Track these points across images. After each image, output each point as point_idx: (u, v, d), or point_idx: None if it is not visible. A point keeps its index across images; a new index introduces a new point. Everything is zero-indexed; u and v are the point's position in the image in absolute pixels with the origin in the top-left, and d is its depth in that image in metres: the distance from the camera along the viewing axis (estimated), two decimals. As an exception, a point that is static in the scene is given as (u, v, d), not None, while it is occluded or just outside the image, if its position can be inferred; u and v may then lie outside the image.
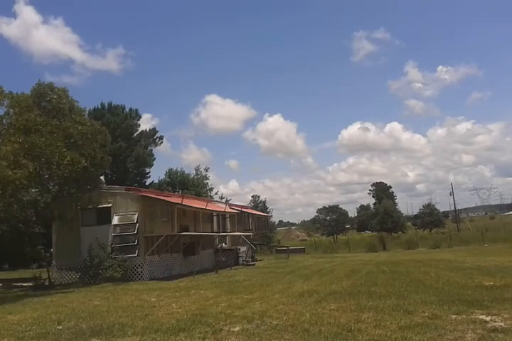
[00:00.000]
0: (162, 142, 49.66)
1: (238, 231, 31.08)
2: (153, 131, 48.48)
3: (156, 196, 23.35)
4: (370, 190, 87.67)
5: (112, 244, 21.24)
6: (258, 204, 57.80)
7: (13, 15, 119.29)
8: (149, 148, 47.26)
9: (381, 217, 67.60)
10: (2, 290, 20.01)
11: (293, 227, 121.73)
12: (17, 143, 16.67)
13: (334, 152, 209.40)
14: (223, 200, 44.26)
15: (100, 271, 20.22)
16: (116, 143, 39.87)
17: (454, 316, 8.09)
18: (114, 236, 21.39)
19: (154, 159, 47.46)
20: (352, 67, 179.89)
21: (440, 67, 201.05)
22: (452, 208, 79.30)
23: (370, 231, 77.91)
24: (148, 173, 47.15)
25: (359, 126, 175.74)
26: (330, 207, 76.66)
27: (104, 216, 21.79)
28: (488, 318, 7.81)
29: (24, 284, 21.32)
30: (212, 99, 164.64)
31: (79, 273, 21.09)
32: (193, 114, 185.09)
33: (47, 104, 19.14)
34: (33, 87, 19.50)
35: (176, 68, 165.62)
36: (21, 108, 18.11)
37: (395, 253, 36.70)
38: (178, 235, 22.09)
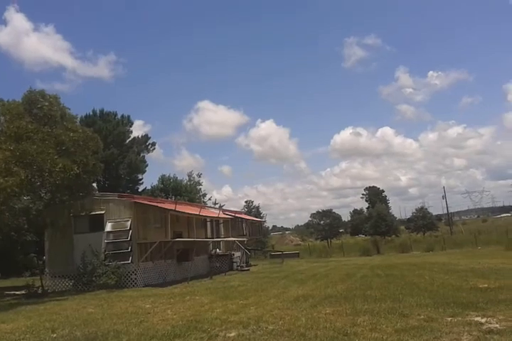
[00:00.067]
0: (154, 148, 49.47)
1: (232, 237, 31.01)
2: (146, 137, 48.31)
3: (149, 202, 23.26)
4: (363, 195, 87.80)
5: (105, 250, 21.10)
6: (252, 209, 57.70)
7: (4, 22, 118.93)
8: (142, 155, 47.06)
9: (374, 220, 67.67)
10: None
11: (287, 232, 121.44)
12: (8, 150, 16.58)
13: (327, 157, 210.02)
14: (217, 206, 44.17)
15: (94, 278, 20.08)
16: (109, 150, 39.69)
17: (449, 318, 8.11)
18: (107, 243, 21.26)
19: (147, 165, 47.28)
20: (343, 73, 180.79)
21: (431, 72, 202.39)
22: (445, 211, 79.64)
23: (363, 235, 77.89)
24: (140, 180, 46.95)
25: (351, 131, 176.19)
26: (323, 211, 76.57)
27: (97, 223, 21.66)
28: (483, 320, 7.84)
29: (17, 292, 21.11)
30: (205, 105, 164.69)
31: (72, 281, 20.91)
32: (185, 120, 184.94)
33: (38, 111, 19.07)
34: (24, 94, 19.43)
35: (168, 74, 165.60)
36: (12, 115, 18.04)
37: (389, 257, 36.74)
38: (172, 241, 22.00)
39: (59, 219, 19.99)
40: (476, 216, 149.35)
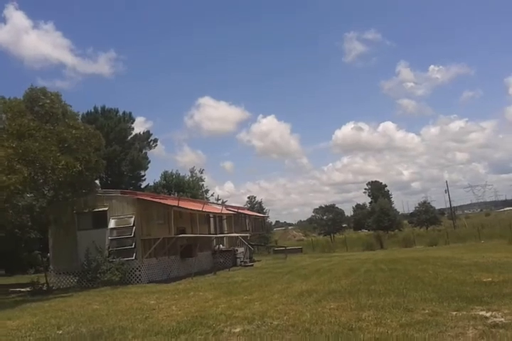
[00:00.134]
0: (156, 145, 49.63)
1: (235, 233, 31.05)
2: (147, 134, 48.41)
3: (152, 199, 23.30)
4: (365, 189, 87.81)
5: (109, 247, 21.17)
6: (254, 205, 57.78)
7: (3, 20, 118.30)
8: (144, 151, 47.16)
9: (377, 215, 67.69)
10: (0, 296, 19.87)
11: (290, 227, 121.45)
12: (11, 148, 16.58)
13: (328, 152, 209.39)
14: (219, 202, 44.20)
15: (98, 275, 20.15)
16: (111, 147, 39.73)
17: (454, 313, 8.10)
18: (111, 239, 21.32)
19: (149, 162, 47.43)
20: (344, 68, 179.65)
21: (432, 66, 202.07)
22: (448, 205, 79.42)
23: (366, 229, 77.90)
24: (143, 176, 47.07)
25: (353, 125, 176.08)
26: (326, 206, 76.66)
27: (101, 220, 21.72)
28: (488, 314, 7.82)
29: (22, 289, 21.21)
30: (206, 101, 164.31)
31: (77, 278, 20.98)
32: (186, 117, 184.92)
33: (40, 108, 19.06)
34: (26, 92, 19.41)
35: (169, 71, 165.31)
36: (14, 113, 18.03)
37: (392, 252, 36.74)
38: (176, 237, 22.04)
39: (62, 216, 20.01)
40: (479, 210, 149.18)
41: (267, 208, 59.50)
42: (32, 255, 33.46)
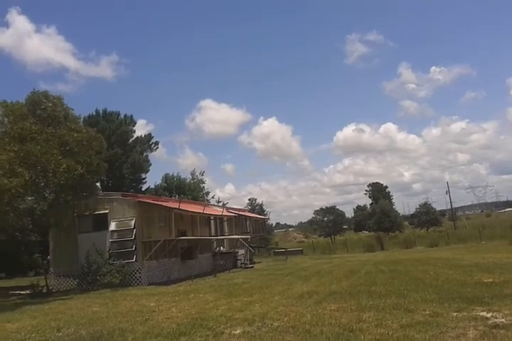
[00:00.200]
0: (158, 147, 49.68)
1: (236, 235, 31.05)
2: (149, 136, 48.46)
3: (152, 201, 23.31)
4: (366, 191, 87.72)
5: (109, 250, 21.17)
6: (255, 207, 57.76)
7: (6, 24, 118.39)
8: (145, 154, 47.17)
9: (378, 216, 67.64)
10: (0, 298, 19.87)
11: (290, 229, 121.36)
12: (12, 151, 16.62)
13: (330, 154, 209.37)
14: (220, 204, 44.22)
15: (98, 277, 20.14)
16: (112, 150, 39.76)
17: (454, 313, 8.10)
18: (111, 242, 21.32)
19: (150, 165, 47.41)
20: (346, 70, 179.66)
21: (433, 67, 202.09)
22: (448, 207, 79.30)
23: (367, 231, 77.86)
24: (144, 179, 47.07)
25: (354, 127, 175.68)
26: (327, 208, 76.62)
27: (101, 222, 21.72)
28: (489, 315, 7.82)
29: (22, 292, 21.19)
30: (207, 103, 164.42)
31: (77, 280, 20.96)
32: (188, 119, 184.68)
33: (42, 112, 19.10)
34: (28, 96, 19.46)
35: (170, 74, 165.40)
36: (16, 116, 18.07)
37: (393, 253, 36.72)
38: (176, 240, 22.04)
39: (63, 219, 20.01)
40: (479, 211, 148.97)
41: (267, 210, 59.55)
42: (32, 258, 33.47)
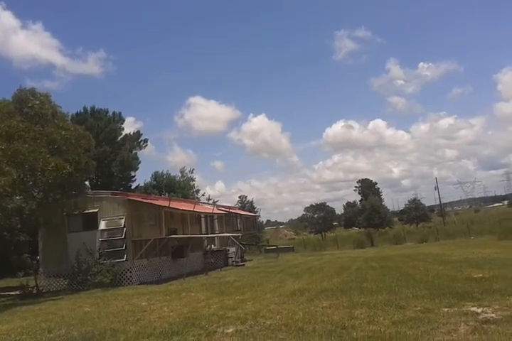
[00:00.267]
0: (147, 145, 49.37)
1: (227, 232, 31.02)
2: (138, 134, 48.16)
3: (142, 200, 23.21)
4: (355, 187, 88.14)
5: (99, 249, 21.04)
6: (245, 204, 57.79)
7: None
8: (134, 152, 46.88)
9: (368, 213, 68.05)
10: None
11: (281, 226, 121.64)
12: (0, 150, 16.41)
13: (319, 150, 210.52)
14: (210, 202, 44.14)
15: (89, 277, 20.02)
16: (101, 148, 39.49)
17: (445, 309, 8.14)
18: (101, 241, 21.20)
19: (139, 162, 47.15)
20: (335, 66, 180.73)
21: (421, 63, 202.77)
22: (437, 202, 79.90)
23: (357, 227, 78.29)
24: (133, 177, 46.81)
25: (343, 123, 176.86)
26: (317, 205, 77.00)
27: (91, 221, 21.58)
28: (479, 310, 7.88)
29: (11, 293, 21.01)
30: (196, 100, 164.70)
31: (67, 280, 20.83)
32: (177, 116, 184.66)
33: (29, 109, 18.91)
34: (15, 93, 19.28)
35: (159, 70, 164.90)
36: (3, 114, 17.84)
37: (383, 249, 36.94)
38: (167, 238, 21.96)
39: (52, 218, 19.89)
40: (468, 206, 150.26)
41: (258, 207, 59.59)
42: (21, 258, 33.13)
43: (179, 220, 24.40)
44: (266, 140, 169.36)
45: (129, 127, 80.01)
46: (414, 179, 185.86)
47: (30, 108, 18.92)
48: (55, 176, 17.58)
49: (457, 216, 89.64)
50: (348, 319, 7.91)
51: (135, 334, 8.18)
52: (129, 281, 20.57)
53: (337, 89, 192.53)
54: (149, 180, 47.21)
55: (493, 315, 7.46)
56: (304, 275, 17.77)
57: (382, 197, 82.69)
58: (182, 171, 50.20)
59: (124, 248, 20.93)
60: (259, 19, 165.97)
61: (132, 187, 45.46)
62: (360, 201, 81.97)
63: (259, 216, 55.34)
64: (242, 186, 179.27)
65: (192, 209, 25.19)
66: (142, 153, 49.91)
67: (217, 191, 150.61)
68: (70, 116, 25.21)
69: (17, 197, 19.93)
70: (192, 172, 50.75)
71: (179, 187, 45.90)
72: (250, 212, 48.64)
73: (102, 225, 21.37)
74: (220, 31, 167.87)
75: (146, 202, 22.51)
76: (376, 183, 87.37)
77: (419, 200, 73.95)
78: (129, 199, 21.91)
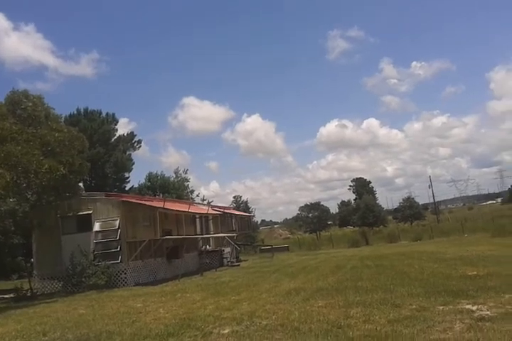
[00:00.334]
0: (140, 146, 49.28)
1: (222, 233, 31.00)
2: (131, 135, 48.07)
3: (137, 201, 23.14)
4: (350, 186, 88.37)
5: (94, 251, 20.95)
6: (240, 204, 57.71)
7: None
8: (128, 153, 46.78)
9: (362, 212, 68.22)
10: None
11: (275, 226, 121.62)
12: (-8, 152, 16.31)
13: (313, 150, 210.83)
14: (205, 202, 44.08)
15: (83, 279, 19.93)
16: (94, 149, 39.33)
17: (441, 307, 8.17)
18: (96, 243, 21.11)
19: (133, 163, 47.05)
20: (328, 66, 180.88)
21: (414, 62, 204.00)
22: (431, 200, 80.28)
23: (351, 226, 78.51)
24: (127, 178, 46.70)
25: (337, 123, 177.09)
26: (311, 204, 77.07)
27: (85, 223, 21.48)
28: (474, 308, 7.92)
29: (5, 296, 20.86)
30: (190, 101, 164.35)
31: (61, 282, 20.71)
32: (170, 117, 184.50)
33: (22, 111, 18.80)
34: (7, 95, 19.16)
35: (152, 71, 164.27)
36: (-5, 116, 17.73)
37: (378, 247, 37.04)
38: (161, 239, 21.90)
39: (46, 220, 19.78)
40: (462, 204, 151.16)
41: (252, 207, 59.53)
42: (15, 261, 32.88)
43: (174, 221, 24.36)
44: (260, 140, 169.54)
45: (122, 128, 79.73)
46: (408, 177, 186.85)
47: (23, 110, 18.81)
48: (49, 178, 17.48)
49: (451, 214, 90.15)
50: (343, 318, 7.92)
51: (131, 336, 8.15)
52: (124, 283, 20.49)
53: (330, 88, 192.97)
54: (143, 181, 47.14)
55: (488, 312, 7.50)
56: (299, 274, 17.78)
57: (377, 195, 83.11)
58: (176, 172, 50.15)
59: (118, 249, 20.85)
60: (253, 20, 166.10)
61: (126, 189, 45.33)
62: (354, 200, 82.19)
63: (253, 216, 55.30)
64: (237, 186, 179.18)
65: (186, 210, 25.15)
66: (136, 154, 49.82)
67: (212, 191, 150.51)
68: (63, 118, 25.09)
69: (10, 200, 19.80)
70: (186, 173, 50.73)
71: (173, 187, 45.81)
72: (245, 212, 48.60)
73: (97, 227, 21.28)
74: (213, 33, 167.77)
75: (140, 203, 22.45)
76: (370, 182, 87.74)
77: (413, 199, 74.35)
78: (123, 201, 21.84)
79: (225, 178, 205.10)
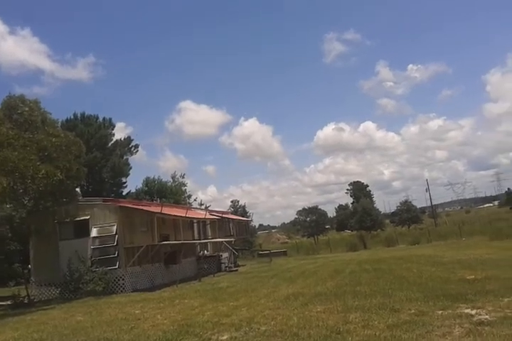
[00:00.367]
0: (138, 150, 49.22)
1: (219, 238, 30.91)
2: (128, 139, 48.00)
3: (134, 206, 23.08)
4: (347, 190, 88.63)
5: (91, 257, 20.85)
6: (238, 209, 57.56)
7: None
8: (125, 157, 46.70)
9: (360, 215, 68.22)
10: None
11: (273, 230, 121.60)
12: (-12, 158, 16.26)
13: (310, 153, 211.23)
14: (203, 207, 44.00)
15: (81, 285, 19.82)
16: (91, 154, 39.26)
17: (440, 312, 8.16)
18: (93, 248, 21.01)
19: (130, 168, 47.00)
20: (324, 69, 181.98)
21: (410, 65, 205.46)
22: (428, 204, 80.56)
23: (349, 230, 78.49)
24: (124, 183, 46.60)
25: (333, 126, 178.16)
26: (309, 208, 77.00)
27: (82, 229, 21.38)
28: (473, 312, 7.90)
29: (2, 303, 20.72)
30: (187, 105, 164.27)
31: (59, 289, 20.59)
32: (167, 121, 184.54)
33: (18, 116, 18.76)
34: (3, 100, 19.14)
35: (149, 75, 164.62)
36: (-9, 122, 17.70)
37: (376, 251, 36.98)
38: (159, 245, 21.83)
39: (43, 226, 19.71)
40: (459, 207, 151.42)
41: (250, 211, 59.40)
42: (12, 267, 32.72)
43: (171, 226, 24.29)
44: (257, 143, 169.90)
45: (119, 133, 79.72)
46: (405, 181, 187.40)
47: (20, 115, 18.78)
48: (46, 183, 17.43)
49: (448, 217, 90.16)
50: (342, 323, 7.90)
51: (129, 343, 8.11)
52: (121, 289, 20.40)
53: (327, 91, 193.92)
54: (141, 185, 47.00)
55: (487, 316, 7.49)
56: (297, 279, 17.73)
57: (374, 199, 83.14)
58: (173, 176, 50.06)
59: (116, 255, 20.75)
60: (249, 23, 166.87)
61: (124, 194, 45.23)
62: (351, 204, 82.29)
63: (251, 220, 55.18)
64: (234, 190, 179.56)
65: (184, 215, 25.08)
66: (133, 159, 49.81)
67: (210, 196, 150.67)
68: (59, 123, 25.08)
69: (7, 206, 19.75)
70: (183, 177, 50.65)
71: (171, 192, 45.71)
72: (243, 216, 48.49)
73: (94, 232, 21.19)
74: (210, 36, 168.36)
75: (137, 209, 22.39)
76: (367, 186, 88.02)
77: (410, 202, 74.34)
78: (120, 206, 21.77)
79: (222, 182, 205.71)
